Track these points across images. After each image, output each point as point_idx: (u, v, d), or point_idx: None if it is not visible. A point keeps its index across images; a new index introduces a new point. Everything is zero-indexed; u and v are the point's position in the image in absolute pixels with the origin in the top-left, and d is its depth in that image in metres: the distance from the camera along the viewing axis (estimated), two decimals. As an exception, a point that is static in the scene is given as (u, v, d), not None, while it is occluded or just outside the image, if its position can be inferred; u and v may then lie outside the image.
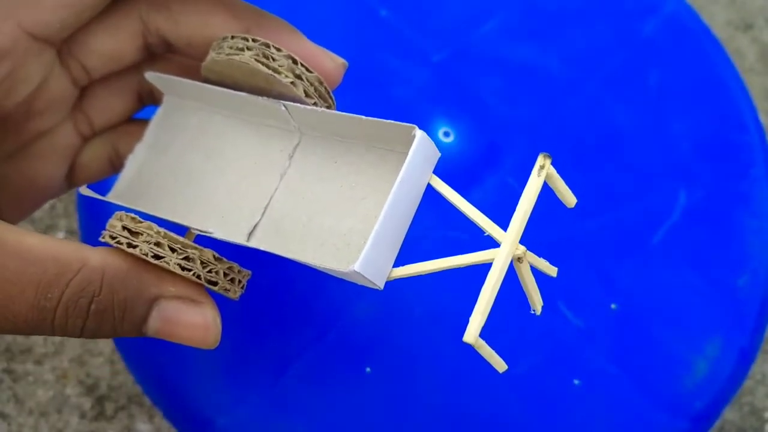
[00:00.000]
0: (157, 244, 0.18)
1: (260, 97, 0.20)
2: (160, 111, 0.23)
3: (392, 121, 0.18)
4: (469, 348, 0.28)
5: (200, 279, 0.19)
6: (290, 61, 0.20)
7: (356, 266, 0.17)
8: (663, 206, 0.30)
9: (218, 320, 0.19)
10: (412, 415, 0.27)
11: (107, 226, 0.19)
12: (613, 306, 0.29)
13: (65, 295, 0.17)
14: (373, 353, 0.28)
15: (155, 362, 0.28)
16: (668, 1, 0.34)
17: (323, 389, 0.27)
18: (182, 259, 0.18)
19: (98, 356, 0.33)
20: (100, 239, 0.19)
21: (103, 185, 0.24)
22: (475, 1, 0.33)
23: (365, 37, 0.32)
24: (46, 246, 0.18)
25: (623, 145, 0.31)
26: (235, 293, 0.20)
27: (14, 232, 0.17)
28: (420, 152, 0.18)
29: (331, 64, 0.21)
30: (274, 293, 0.28)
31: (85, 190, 0.22)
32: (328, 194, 0.20)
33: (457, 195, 0.18)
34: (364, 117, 0.19)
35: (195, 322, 0.19)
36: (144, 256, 0.18)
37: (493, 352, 0.17)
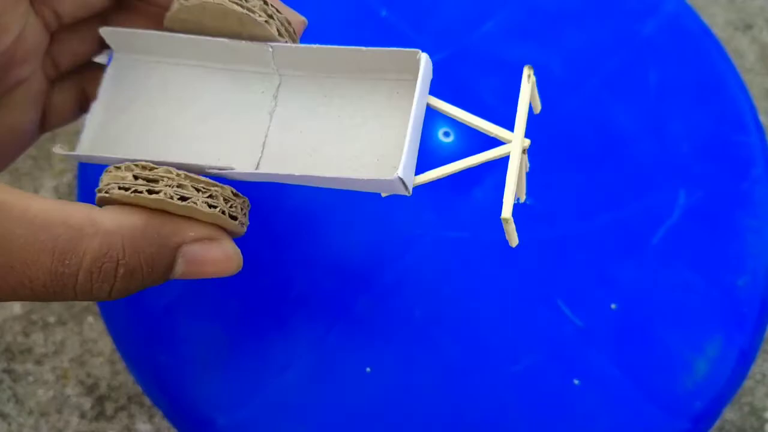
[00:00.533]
0: (180, 186, 0.18)
1: (242, 41, 0.21)
2: (110, 70, 0.22)
3: (396, 48, 0.20)
4: (468, 347, 0.28)
5: (224, 214, 0.19)
6: (261, 1, 0.20)
7: (399, 172, 0.19)
8: (663, 206, 0.30)
9: (237, 249, 0.20)
10: (412, 415, 0.27)
11: (108, 179, 0.19)
12: (613, 306, 0.29)
13: (86, 262, 0.18)
14: (374, 353, 0.28)
15: (155, 362, 0.28)
16: (668, 2, 0.34)
17: (323, 389, 0.27)
18: (207, 197, 0.19)
19: (98, 356, 0.33)
20: (101, 194, 0.19)
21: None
22: (474, 2, 0.33)
23: (366, 37, 0.32)
24: (53, 210, 0.18)
25: (623, 145, 0.31)
26: (245, 227, 0.21)
27: (19, 197, 0.17)
28: (425, 73, 0.20)
29: (294, 18, 0.22)
30: (275, 294, 0.28)
31: (59, 150, 0.21)
32: (326, 126, 0.21)
33: (456, 108, 0.21)
34: (364, 48, 0.20)
35: (218, 257, 0.20)
36: (170, 199, 0.18)
37: (515, 230, 0.20)
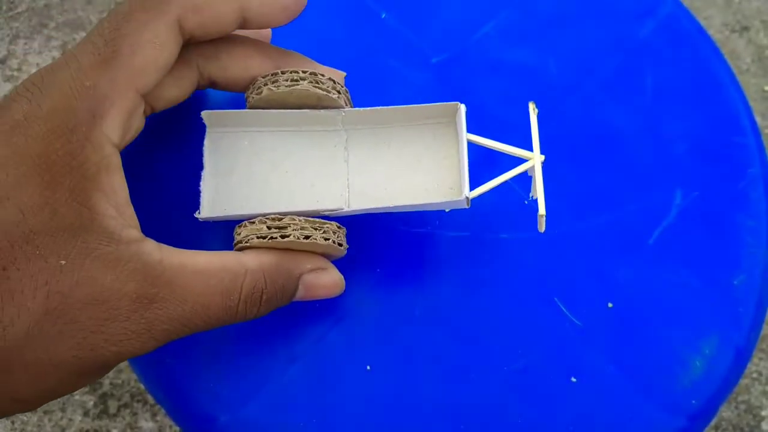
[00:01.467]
0: (303, 228, 0.24)
1: (321, 111, 0.26)
2: (207, 143, 0.27)
3: (438, 103, 0.26)
4: (466, 345, 0.28)
5: (334, 243, 0.25)
6: (332, 82, 0.25)
7: (466, 193, 0.25)
8: (660, 206, 0.31)
9: (341, 275, 0.26)
10: (411, 411, 0.27)
11: (247, 232, 0.24)
12: (610, 305, 0.29)
13: (243, 295, 0.23)
14: (374, 352, 0.28)
15: (158, 360, 0.28)
16: (665, 4, 0.34)
17: (324, 387, 0.27)
18: (323, 233, 0.24)
19: (101, 355, 0.33)
20: (241, 244, 0.24)
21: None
22: (473, 4, 0.33)
23: (366, 40, 0.33)
24: (213, 261, 0.23)
25: (620, 147, 0.32)
26: (346, 250, 0.26)
27: (186, 256, 0.23)
28: (463, 117, 0.26)
29: (338, 75, 0.28)
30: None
31: (197, 215, 0.26)
32: (391, 165, 0.27)
33: (485, 138, 0.26)
34: (413, 105, 0.26)
35: (327, 283, 0.26)
36: (297, 240, 0.24)
37: (544, 221, 0.25)
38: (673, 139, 0.32)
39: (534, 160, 0.26)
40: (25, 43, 0.68)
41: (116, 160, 0.23)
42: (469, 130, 0.28)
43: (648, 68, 0.33)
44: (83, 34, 0.68)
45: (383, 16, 0.33)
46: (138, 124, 0.24)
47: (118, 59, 0.22)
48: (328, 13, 0.33)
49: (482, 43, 0.33)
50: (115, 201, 0.22)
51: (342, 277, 0.26)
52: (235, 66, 0.26)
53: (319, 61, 0.28)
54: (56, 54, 0.67)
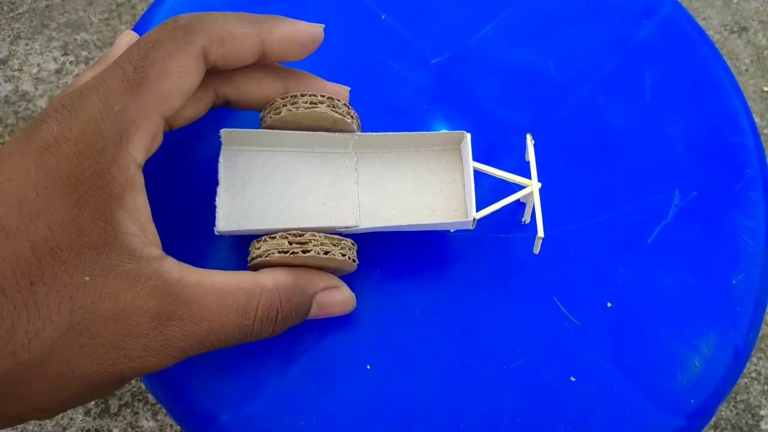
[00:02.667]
0: (322, 244, 0.25)
1: (336, 134, 0.27)
2: (222, 160, 0.27)
3: (444, 132, 0.28)
4: (466, 345, 0.28)
5: (349, 259, 0.26)
6: (346, 107, 0.27)
7: (474, 215, 0.26)
8: (658, 206, 0.31)
9: (353, 294, 0.27)
10: (411, 410, 0.27)
11: (267, 246, 0.25)
12: (609, 304, 0.29)
13: (258, 314, 0.24)
14: (374, 351, 0.28)
15: (159, 360, 0.28)
16: (664, 5, 0.34)
17: (325, 386, 0.27)
18: (340, 249, 0.25)
19: (102, 355, 0.33)
20: (260, 258, 0.25)
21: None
22: (473, 6, 0.34)
23: (366, 41, 0.33)
24: (230, 280, 0.24)
25: (619, 147, 0.32)
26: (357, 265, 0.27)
27: (204, 275, 0.24)
28: (468, 145, 0.27)
29: (343, 92, 0.29)
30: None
31: (219, 231, 0.26)
32: (399, 187, 0.28)
33: (487, 166, 0.28)
34: (421, 132, 0.28)
35: (339, 301, 0.27)
36: (318, 255, 0.25)
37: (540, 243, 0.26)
38: (671, 140, 0.32)
39: (532, 187, 0.27)
40: (26, 44, 0.68)
41: (140, 180, 0.23)
42: (467, 130, 0.28)
43: (647, 69, 0.33)
44: (84, 34, 0.68)
45: (383, 17, 0.33)
46: (158, 143, 0.25)
47: (146, 85, 0.23)
48: (328, 14, 0.33)
49: (481, 44, 0.33)
50: (137, 219, 0.23)
51: (353, 294, 0.27)
52: (248, 87, 0.27)
53: (320, 62, 0.28)
54: (57, 54, 0.67)
